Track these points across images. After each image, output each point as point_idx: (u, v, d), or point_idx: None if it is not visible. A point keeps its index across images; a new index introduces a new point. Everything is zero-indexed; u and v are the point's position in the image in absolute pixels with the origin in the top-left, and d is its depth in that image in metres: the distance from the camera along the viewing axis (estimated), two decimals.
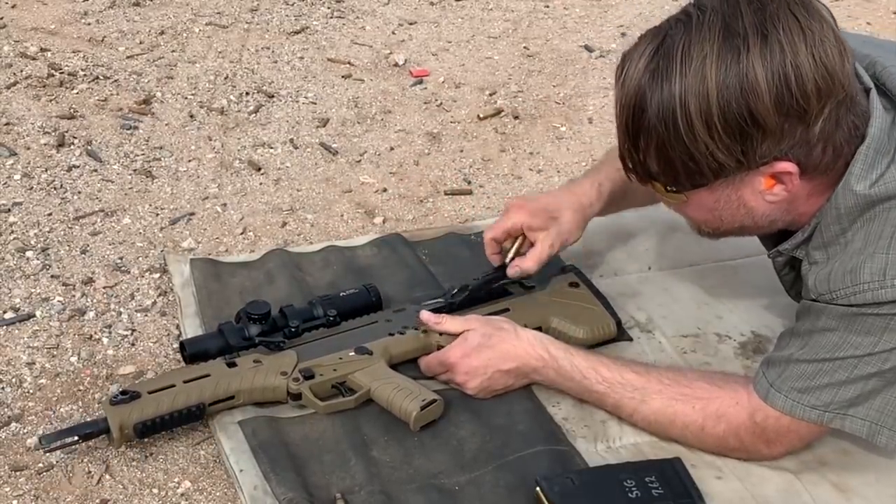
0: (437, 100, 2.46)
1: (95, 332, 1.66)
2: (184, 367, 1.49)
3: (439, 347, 1.51)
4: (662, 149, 1.22)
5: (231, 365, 1.46)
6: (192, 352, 1.50)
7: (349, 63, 2.61)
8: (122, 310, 1.71)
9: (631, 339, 1.62)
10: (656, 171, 1.27)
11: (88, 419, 1.44)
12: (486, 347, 1.46)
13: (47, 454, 1.39)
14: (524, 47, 2.75)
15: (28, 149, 2.15)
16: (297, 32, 2.75)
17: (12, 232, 1.89)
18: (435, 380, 1.51)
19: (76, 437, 1.37)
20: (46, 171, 2.08)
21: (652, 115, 1.21)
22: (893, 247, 1.21)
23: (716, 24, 1.18)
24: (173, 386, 1.42)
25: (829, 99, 1.18)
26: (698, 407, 1.38)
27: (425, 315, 1.53)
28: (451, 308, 1.58)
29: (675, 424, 1.40)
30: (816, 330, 1.29)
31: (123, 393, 1.39)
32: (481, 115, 2.39)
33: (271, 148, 2.23)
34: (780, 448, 1.38)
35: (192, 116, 2.32)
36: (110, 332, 1.66)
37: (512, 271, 1.60)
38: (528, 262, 1.58)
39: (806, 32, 1.17)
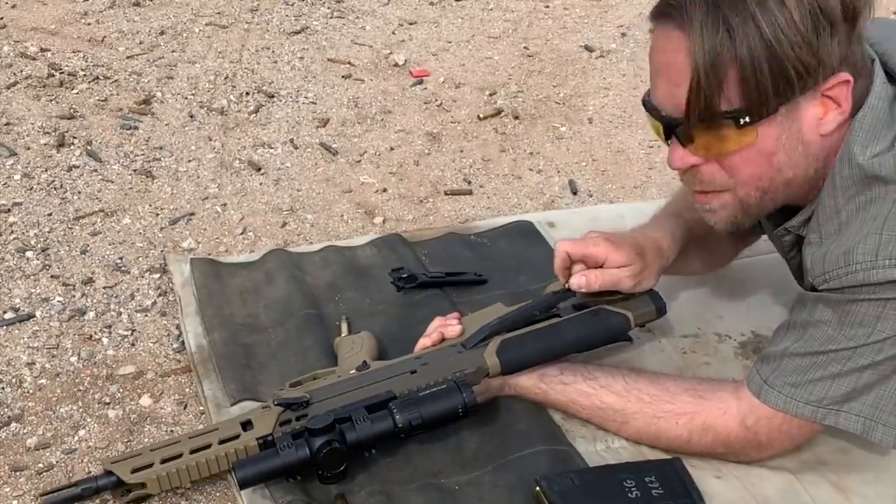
0: (437, 100, 2.46)
1: (95, 332, 1.66)
2: None
3: None
4: (750, 65, 1.19)
5: None
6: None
7: (349, 63, 2.61)
8: (122, 310, 1.71)
9: (631, 340, 1.61)
10: (734, 102, 1.21)
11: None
12: None
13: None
14: (524, 47, 2.75)
15: (28, 149, 2.15)
16: (297, 32, 2.75)
17: (12, 232, 1.89)
18: None
19: None
20: (46, 171, 2.08)
21: (734, 33, 1.18)
22: (887, 228, 1.21)
23: None
24: None
25: (867, 5, 1.21)
26: (682, 422, 1.38)
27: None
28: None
29: (659, 440, 1.40)
30: (811, 322, 1.29)
31: None
32: (481, 115, 2.40)
33: (271, 148, 2.23)
34: (771, 452, 1.38)
35: (192, 116, 2.32)
36: (110, 332, 1.66)
37: (576, 280, 1.45)
38: (597, 276, 1.45)
39: None
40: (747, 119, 1.22)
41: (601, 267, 1.45)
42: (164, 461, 1.32)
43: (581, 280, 1.45)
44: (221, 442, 1.34)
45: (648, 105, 1.29)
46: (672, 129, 1.27)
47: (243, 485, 1.30)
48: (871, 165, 1.22)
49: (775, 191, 1.30)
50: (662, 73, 1.26)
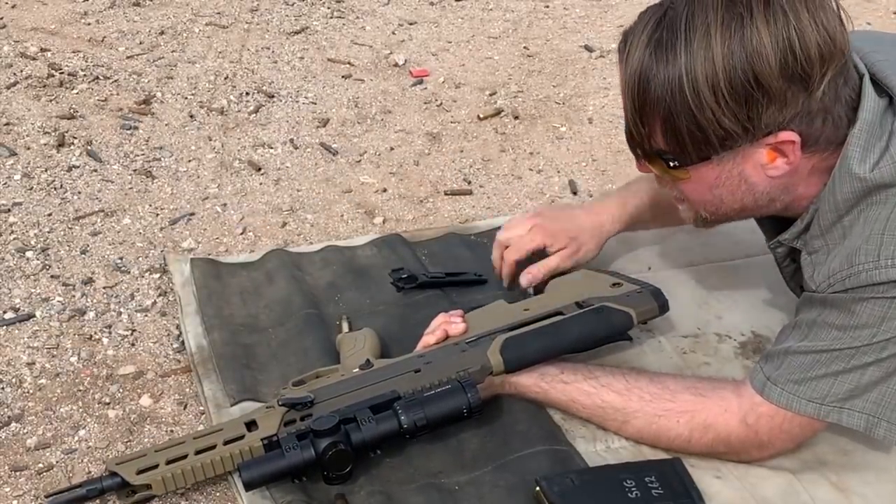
0: (437, 100, 2.46)
1: (95, 332, 1.66)
2: None
3: None
4: (669, 119, 1.23)
5: None
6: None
7: (349, 63, 2.61)
8: (122, 310, 1.71)
9: (630, 340, 1.61)
10: (661, 146, 1.28)
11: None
12: None
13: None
14: (524, 47, 2.75)
15: (28, 149, 2.15)
16: (297, 32, 2.75)
17: (12, 232, 1.89)
18: None
19: None
20: (46, 171, 2.08)
21: (658, 86, 1.22)
22: (889, 229, 1.21)
23: None
24: None
25: (830, 64, 1.19)
26: (683, 421, 1.38)
27: None
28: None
29: (660, 439, 1.40)
30: (816, 322, 1.29)
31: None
32: (481, 115, 2.40)
33: (271, 148, 2.23)
34: (771, 451, 1.38)
35: (192, 116, 2.32)
36: (110, 332, 1.66)
37: (525, 280, 1.62)
38: (538, 268, 1.62)
39: None
40: (676, 162, 1.29)
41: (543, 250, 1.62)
42: (169, 462, 1.32)
43: (528, 278, 1.62)
44: (226, 442, 1.34)
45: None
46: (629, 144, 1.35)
47: (248, 486, 1.30)
48: (874, 178, 1.23)
49: (728, 213, 1.36)
50: (622, 95, 1.32)
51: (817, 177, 1.28)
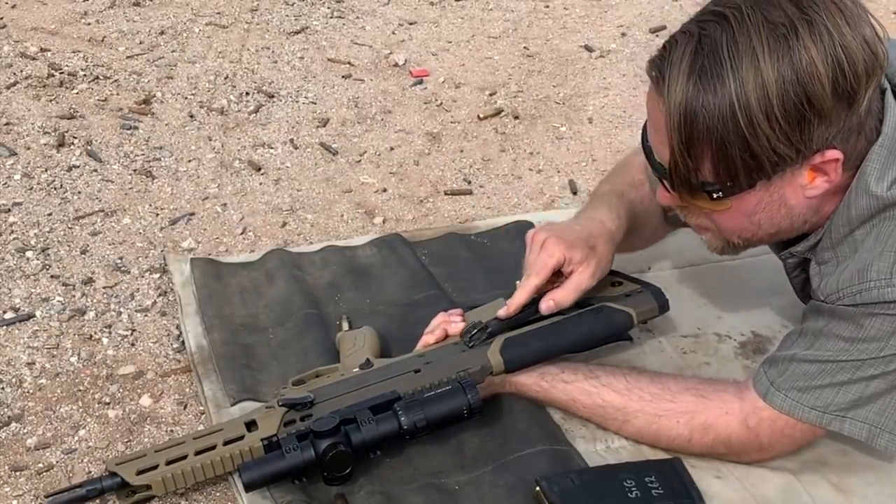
0: (437, 100, 2.46)
1: (95, 332, 1.66)
2: None
3: None
4: (721, 150, 1.20)
5: None
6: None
7: (349, 63, 2.61)
8: (122, 310, 1.71)
9: (631, 340, 1.61)
10: (708, 178, 1.24)
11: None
12: None
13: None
14: (524, 47, 2.75)
15: (28, 149, 2.15)
16: (297, 32, 2.75)
17: (12, 232, 1.89)
18: None
19: None
20: (46, 171, 2.08)
21: (708, 117, 1.19)
22: None
23: (757, 17, 1.18)
24: None
25: (873, 79, 1.19)
26: (683, 421, 1.37)
27: None
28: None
29: (660, 439, 1.40)
30: (823, 332, 1.29)
31: None
32: (481, 115, 2.39)
33: (271, 148, 2.23)
34: (771, 453, 1.38)
35: (192, 116, 2.32)
36: (110, 332, 1.66)
37: (546, 305, 1.45)
38: (566, 294, 1.44)
39: (845, 12, 1.18)
40: (721, 193, 1.25)
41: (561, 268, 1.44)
42: (169, 462, 1.32)
43: (549, 304, 1.45)
44: (226, 443, 1.33)
45: (644, 140, 1.32)
46: (659, 175, 1.30)
47: (249, 487, 1.30)
48: (891, 196, 1.22)
49: (762, 238, 1.34)
50: (651, 123, 1.29)
51: (838, 194, 1.28)
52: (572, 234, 1.46)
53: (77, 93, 2.37)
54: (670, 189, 1.29)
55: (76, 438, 1.46)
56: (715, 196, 1.25)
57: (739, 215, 1.29)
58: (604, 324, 1.49)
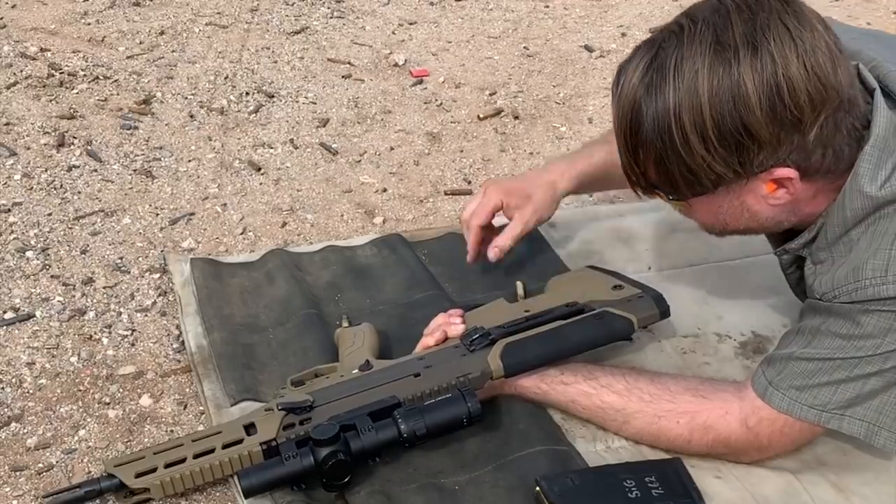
0: (437, 100, 2.46)
1: (95, 332, 1.66)
2: None
3: None
4: (660, 162, 1.23)
5: None
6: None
7: (349, 63, 2.61)
8: (122, 310, 1.71)
9: (631, 340, 1.61)
10: (657, 182, 1.28)
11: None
12: None
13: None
14: (524, 47, 2.75)
15: (28, 149, 2.15)
16: (297, 32, 2.75)
17: (12, 232, 1.89)
18: None
19: None
20: (46, 171, 2.08)
21: (648, 129, 1.21)
22: None
23: (707, 36, 1.18)
24: None
25: (823, 107, 1.18)
26: (683, 421, 1.38)
27: None
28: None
29: (660, 440, 1.41)
30: (820, 329, 1.29)
31: None
32: (481, 115, 2.40)
33: (271, 148, 2.23)
34: (771, 453, 1.38)
35: (192, 116, 2.32)
36: (110, 332, 1.66)
37: (492, 253, 1.63)
38: (503, 239, 1.63)
39: (797, 42, 1.17)
40: (674, 196, 1.28)
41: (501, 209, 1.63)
42: (167, 465, 1.31)
43: (495, 251, 1.63)
44: (225, 446, 1.33)
45: None
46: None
47: (248, 494, 1.30)
48: (884, 195, 1.22)
49: (736, 231, 1.35)
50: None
51: (824, 196, 1.28)
52: (511, 184, 1.66)
53: (77, 93, 2.37)
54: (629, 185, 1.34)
55: (76, 438, 1.46)
56: (670, 197, 1.29)
57: (704, 212, 1.32)
58: (604, 330, 1.49)
